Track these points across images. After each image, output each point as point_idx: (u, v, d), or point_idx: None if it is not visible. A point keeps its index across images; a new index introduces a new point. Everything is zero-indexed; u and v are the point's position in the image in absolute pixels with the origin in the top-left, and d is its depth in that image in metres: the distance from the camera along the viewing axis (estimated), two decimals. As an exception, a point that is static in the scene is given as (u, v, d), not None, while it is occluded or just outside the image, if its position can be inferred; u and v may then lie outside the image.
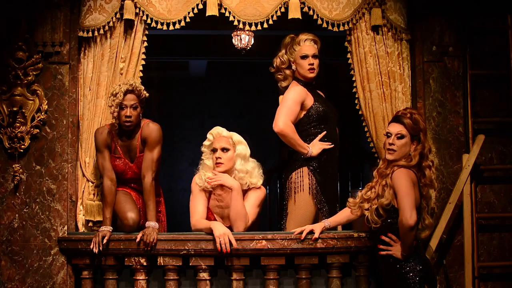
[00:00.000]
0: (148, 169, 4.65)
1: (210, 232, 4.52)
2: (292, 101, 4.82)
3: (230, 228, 4.59)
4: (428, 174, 4.17)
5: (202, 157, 4.79)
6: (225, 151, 4.66)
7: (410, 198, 4.01)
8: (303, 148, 4.78)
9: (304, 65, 4.87)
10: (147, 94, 4.72)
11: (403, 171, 4.09)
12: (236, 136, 4.75)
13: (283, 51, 4.96)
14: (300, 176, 4.82)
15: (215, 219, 4.67)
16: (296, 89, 4.86)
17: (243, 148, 4.71)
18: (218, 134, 4.75)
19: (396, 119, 4.21)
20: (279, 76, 5.04)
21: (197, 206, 4.68)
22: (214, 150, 4.68)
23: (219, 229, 4.48)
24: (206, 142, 4.77)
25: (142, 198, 4.75)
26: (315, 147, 4.79)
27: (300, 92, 4.84)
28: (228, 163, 4.65)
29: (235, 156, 4.68)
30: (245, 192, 4.68)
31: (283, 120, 4.76)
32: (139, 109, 4.66)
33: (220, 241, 4.43)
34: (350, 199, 4.34)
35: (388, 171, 4.13)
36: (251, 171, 4.68)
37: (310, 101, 4.85)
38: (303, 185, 4.80)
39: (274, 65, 5.01)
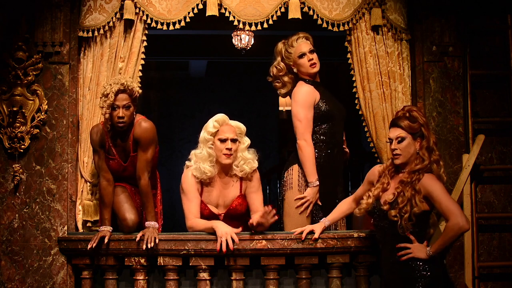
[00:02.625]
0: (143, 170, 4.59)
1: (210, 232, 4.52)
2: (306, 108, 4.77)
3: (225, 216, 4.63)
4: (435, 169, 4.13)
5: (200, 146, 4.67)
6: (234, 141, 4.62)
7: (456, 202, 4.07)
8: (309, 175, 4.74)
9: (304, 62, 4.86)
10: (140, 91, 4.63)
11: (431, 176, 4.08)
12: (243, 127, 4.73)
13: (278, 59, 4.94)
14: (290, 174, 4.85)
15: (210, 211, 4.65)
16: (304, 91, 4.81)
17: (247, 139, 4.73)
18: (224, 121, 4.68)
19: (393, 123, 4.16)
20: (277, 84, 5.02)
21: (192, 206, 4.63)
22: (222, 141, 4.61)
23: (221, 228, 4.46)
24: (211, 129, 4.64)
25: (138, 192, 4.71)
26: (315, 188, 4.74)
27: (309, 93, 4.80)
28: (235, 154, 4.63)
29: (243, 147, 4.67)
30: (241, 179, 4.68)
31: (306, 135, 4.75)
32: (132, 108, 4.56)
33: (221, 240, 4.42)
34: (363, 201, 4.25)
35: (408, 178, 4.09)
36: (254, 164, 4.68)
37: (317, 99, 4.84)
38: (292, 183, 4.82)
39: (271, 74, 5.00)
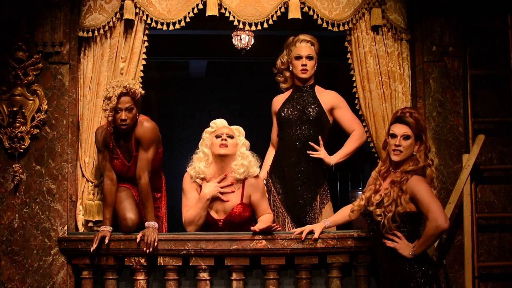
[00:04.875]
0: (143, 170, 4.60)
1: (204, 208, 4.59)
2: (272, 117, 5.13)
3: (225, 222, 4.66)
4: (429, 173, 4.15)
5: (199, 148, 4.77)
6: (230, 137, 4.69)
7: (438, 202, 4.04)
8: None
9: (297, 65, 4.93)
10: (142, 92, 4.64)
11: (418, 178, 4.09)
12: (241, 129, 4.83)
13: (285, 52, 5.01)
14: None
15: (208, 214, 4.65)
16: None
17: (245, 139, 4.80)
18: (221, 123, 4.81)
19: (400, 119, 4.16)
20: (279, 78, 5.09)
21: (189, 204, 4.67)
22: (218, 136, 4.69)
23: (206, 191, 4.61)
24: (208, 129, 4.79)
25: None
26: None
27: (271, 106, 5.10)
28: (232, 148, 4.67)
29: (240, 145, 4.73)
30: (242, 185, 4.69)
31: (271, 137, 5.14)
32: (134, 110, 4.58)
33: (218, 194, 4.61)
34: (355, 203, 4.31)
35: (399, 178, 4.11)
36: (252, 160, 4.70)
37: (276, 108, 5.03)
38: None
39: (276, 66, 5.06)
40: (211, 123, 4.81)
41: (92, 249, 4.51)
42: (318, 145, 4.91)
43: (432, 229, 3.97)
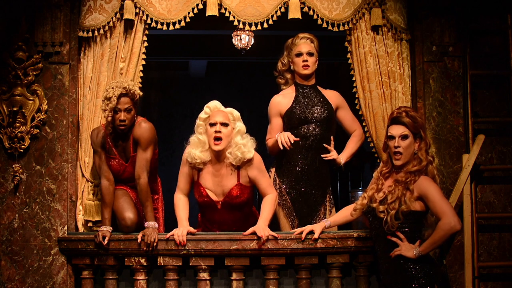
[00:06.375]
0: (142, 170, 4.61)
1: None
2: (271, 118, 4.99)
3: (223, 204, 4.64)
4: (431, 170, 4.15)
5: (194, 131, 4.70)
6: (224, 126, 4.61)
7: (450, 203, 4.07)
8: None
9: (299, 62, 4.91)
10: (141, 94, 4.67)
11: (427, 178, 4.10)
12: (236, 112, 4.72)
13: (285, 53, 5.00)
14: (269, 176, 4.94)
15: (207, 195, 4.65)
16: (270, 102, 5.00)
17: (242, 124, 4.70)
18: (216, 107, 4.68)
19: (396, 120, 4.17)
20: (280, 80, 5.07)
21: (181, 181, 4.73)
22: (212, 125, 4.61)
23: (178, 228, 4.61)
24: (202, 115, 4.68)
25: (138, 195, 4.71)
26: None
27: (272, 106, 4.99)
28: (227, 139, 4.60)
29: (236, 132, 4.64)
30: (237, 168, 4.65)
31: (267, 137, 5.00)
32: (133, 111, 4.61)
33: (175, 235, 4.55)
34: (358, 202, 4.31)
35: (404, 178, 4.11)
36: (245, 150, 4.63)
37: (284, 107, 4.93)
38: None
39: (277, 69, 5.05)
40: (205, 107, 4.69)
41: (105, 244, 4.53)
42: (330, 145, 4.92)
43: (445, 230, 3.98)
